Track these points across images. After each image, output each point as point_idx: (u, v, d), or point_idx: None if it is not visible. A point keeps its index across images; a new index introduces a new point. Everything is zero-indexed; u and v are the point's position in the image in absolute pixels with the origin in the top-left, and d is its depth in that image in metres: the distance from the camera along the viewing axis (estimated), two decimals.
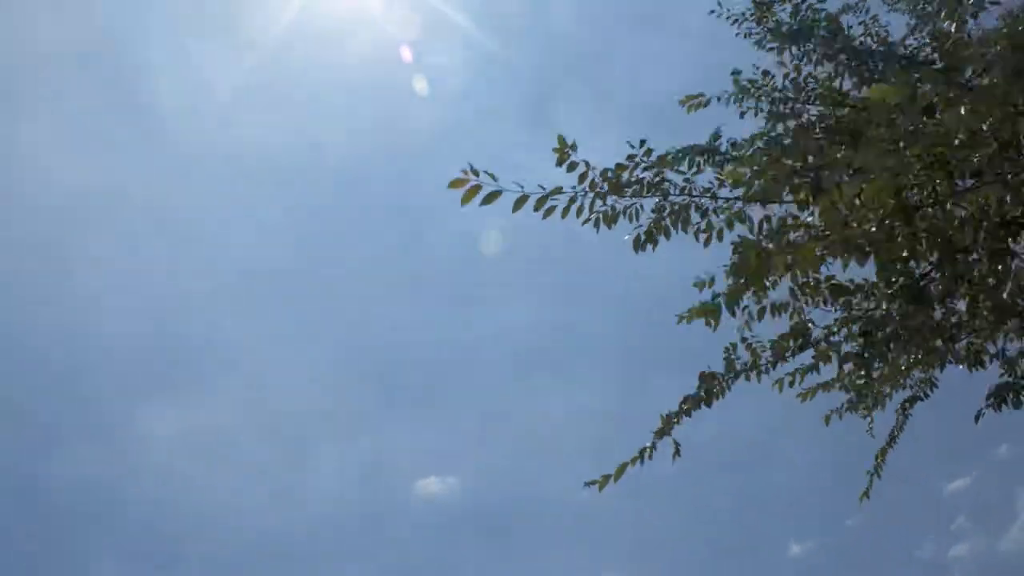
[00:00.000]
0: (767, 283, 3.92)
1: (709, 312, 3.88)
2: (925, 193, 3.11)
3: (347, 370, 19.93)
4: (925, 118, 3.21)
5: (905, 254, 3.61)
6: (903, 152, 3.07)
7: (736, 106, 5.14)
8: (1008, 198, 3.04)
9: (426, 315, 19.91)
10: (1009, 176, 3.03)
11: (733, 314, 4.02)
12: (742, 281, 3.75)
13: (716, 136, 4.68)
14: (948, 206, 3.25)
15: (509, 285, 19.56)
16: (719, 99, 5.08)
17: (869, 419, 5.63)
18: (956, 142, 3.13)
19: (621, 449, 4.29)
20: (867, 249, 3.33)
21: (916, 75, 3.71)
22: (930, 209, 3.08)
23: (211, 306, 19.01)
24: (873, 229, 3.08)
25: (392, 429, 19.65)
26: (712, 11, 5.59)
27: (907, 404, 5.67)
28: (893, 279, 3.72)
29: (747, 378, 4.55)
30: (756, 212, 4.10)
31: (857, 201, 2.93)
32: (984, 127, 3.14)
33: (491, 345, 20.01)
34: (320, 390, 19.07)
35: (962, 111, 3.16)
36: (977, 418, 5.01)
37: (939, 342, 5.10)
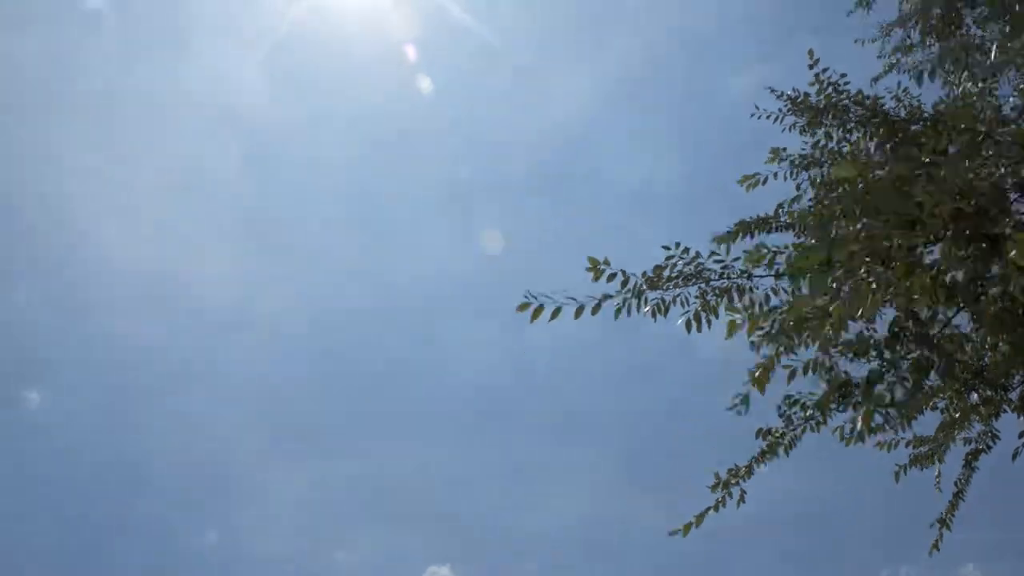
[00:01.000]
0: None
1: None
2: (895, 247, 3.81)
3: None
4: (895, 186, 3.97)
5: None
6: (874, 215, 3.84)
7: (793, 179, 5.79)
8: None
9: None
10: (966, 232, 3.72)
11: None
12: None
13: (780, 207, 5.37)
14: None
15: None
16: (775, 176, 5.67)
17: (936, 472, 6.02)
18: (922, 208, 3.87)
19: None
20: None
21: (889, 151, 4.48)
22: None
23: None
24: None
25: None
26: (752, 114, 6.33)
27: (971, 457, 6.03)
28: (898, 327, 4.34)
29: (810, 429, 5.16)
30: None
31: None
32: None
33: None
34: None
35: (925, 182, 3.93)
36: (1014, 456, 5.32)
37: (991, 391, 5.57)
